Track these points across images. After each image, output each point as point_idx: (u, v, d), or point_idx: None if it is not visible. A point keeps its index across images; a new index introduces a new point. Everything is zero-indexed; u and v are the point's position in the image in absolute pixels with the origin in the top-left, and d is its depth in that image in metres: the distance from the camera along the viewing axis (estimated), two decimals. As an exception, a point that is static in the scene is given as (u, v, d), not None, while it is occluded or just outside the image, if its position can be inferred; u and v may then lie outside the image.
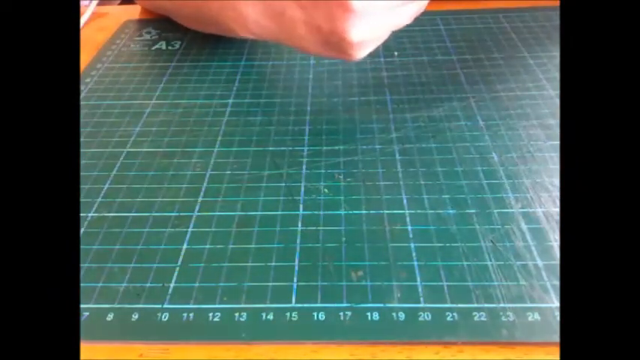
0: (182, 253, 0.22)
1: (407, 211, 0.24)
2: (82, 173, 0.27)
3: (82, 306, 0.20)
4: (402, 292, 0.20)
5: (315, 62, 0.36)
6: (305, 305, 0.20)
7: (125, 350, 0.19)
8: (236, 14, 0.30)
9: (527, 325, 0.19)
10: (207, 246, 0.23)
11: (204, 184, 0.26)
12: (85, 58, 0.38)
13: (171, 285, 0.21)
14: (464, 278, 0.21)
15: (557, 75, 0.33)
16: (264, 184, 0.26)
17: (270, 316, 0.20)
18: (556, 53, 0.35)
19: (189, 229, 0.23)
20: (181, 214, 0.24)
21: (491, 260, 0.21)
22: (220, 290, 0.21)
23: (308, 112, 0.31)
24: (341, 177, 0.26)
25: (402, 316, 0.19)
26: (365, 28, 0.26)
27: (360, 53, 0.27)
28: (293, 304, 0.20)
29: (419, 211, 0.24)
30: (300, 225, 0.23)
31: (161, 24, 0.42)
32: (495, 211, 0.24)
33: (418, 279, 0.21)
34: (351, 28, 0.25)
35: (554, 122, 0.29)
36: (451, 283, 0.20)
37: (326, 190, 0.25)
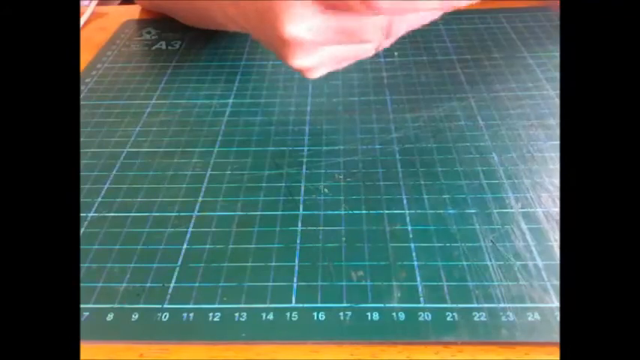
0: (182, 253, 0.22)
1: (407, 211, 0.24)
2: (82, 173, 0.27)
3: (82, 306, 0.20)
4: (402, 292, 0.20)
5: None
6: (305, 305, 0.20)
7: (125, 350, 0.19)
8: (221, 12, 0.30)
9: (527, 325, 0.19)
10: (207, 246, 0.23)
11: (204, 184, 0.26)
12: (85, 58, 0.38)
13: (171, 285, 0.21)
14: (464, 278, 0.21)
15: (557, 75, 0.33)
16: (264, 184, 0.26)
17: (270, 316, 0.20)
18: (556, 53, 0.35)
19: (189, 229, 0.23)
20: (181, 214, 0.24)
21: (491, 260, 0.21)
22: (220, 290, 0.21)
23: (308, 112, 0.31)
24: (341, 177, 0.26)
25: (402, 316, 0.19)
26: (306, 57, 0.24)
27: (312, 75, 0.26)
28: (293, 304, 0.20)
29: (419, 211, 0.24)
30: (300, 225, 0.23)
31: (161, 24, 0.42)
32: (495, 211, 0.24)
33: (418, 279, 0.21)
34: (290, 56, 0.24)
35: (554, 122, 0.29)
36: (451, 283, 0.20)
37: (326, 190, 0.25)
